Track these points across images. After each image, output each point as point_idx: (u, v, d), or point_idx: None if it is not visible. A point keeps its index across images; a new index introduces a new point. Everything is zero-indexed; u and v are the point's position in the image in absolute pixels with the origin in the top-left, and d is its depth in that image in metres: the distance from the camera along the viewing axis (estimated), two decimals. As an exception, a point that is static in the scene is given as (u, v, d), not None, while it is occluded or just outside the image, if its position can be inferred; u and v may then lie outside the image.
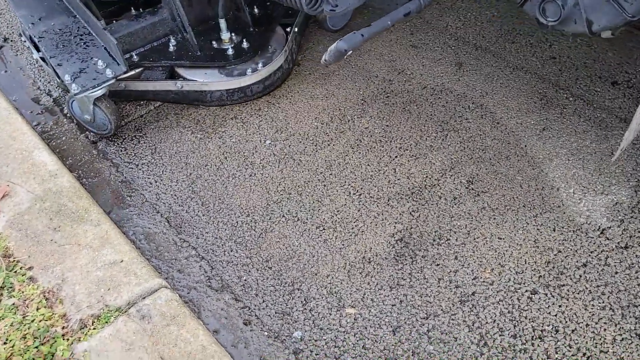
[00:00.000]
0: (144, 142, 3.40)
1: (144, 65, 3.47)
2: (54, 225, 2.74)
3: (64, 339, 2.31)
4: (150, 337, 2.32)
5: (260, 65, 3.56)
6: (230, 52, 3.50)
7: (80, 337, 2.32)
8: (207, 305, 2.60)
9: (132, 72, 3.41)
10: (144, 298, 2.48)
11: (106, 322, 2.35)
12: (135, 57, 3.44)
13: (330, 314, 2.54)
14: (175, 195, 3.10)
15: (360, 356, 2.39)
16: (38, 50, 3.44)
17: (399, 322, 2.49)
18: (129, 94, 3.59)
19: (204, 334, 2.33)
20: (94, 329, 2.34)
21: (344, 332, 2.47)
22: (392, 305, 2.55)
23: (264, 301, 2.61)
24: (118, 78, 3.27)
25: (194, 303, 2.61)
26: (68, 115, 3.57)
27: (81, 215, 2.79)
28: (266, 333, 2.49)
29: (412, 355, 2.38)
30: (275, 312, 2.56)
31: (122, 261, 2.60)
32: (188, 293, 2.65)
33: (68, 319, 2.39)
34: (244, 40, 3.61)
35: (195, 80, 3.44)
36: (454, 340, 2.42)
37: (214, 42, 3.60)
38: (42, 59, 3.45)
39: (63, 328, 2.36)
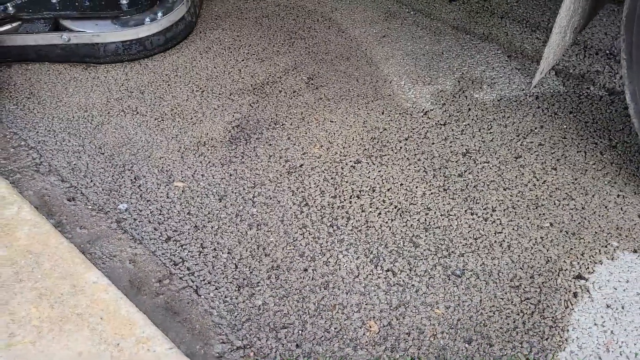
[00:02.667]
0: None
1: (22, 18, 3.05)
2: None
3: None
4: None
5: (159, 14, 3.19)
6: (124, 0, 3.12)
7: None
8: (31, 186, 2.55)
9: (8, 27, 3.05)
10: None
11: None
12: (10, 8, 3.00)
13: (158, 189, 2.56)
14: (11, 97, 3.01)
15: (183, 220, 2.42)
16: None
17: (226, 191, 2.55)
18: (5, 52, 3.11)
19: (28, 209, 2.29)
20: None
21: (170, 202, 2.50)
22: (221, 179, 2.61)
23: (91, 181, 2.58)
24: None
25: (17, 185, 2.54)
26: None
27: None
28: (90, 207, 2.48)
29: (236, 217, 2.45)
30: (102, 190, 2.55)
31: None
32: (12, 177, 2.58)
33: None
34: (139, -12, 3.14)
35: (84, 32, 3.10)
36: (277, 203, 2.50)
37: (105, -10, 3.13)
38: None
39: None
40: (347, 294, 2.18)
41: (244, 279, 2.21)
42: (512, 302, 2.14)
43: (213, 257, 2.29)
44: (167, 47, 3.33)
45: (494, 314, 2.10)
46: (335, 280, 2.21)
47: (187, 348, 1.99)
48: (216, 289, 2.18)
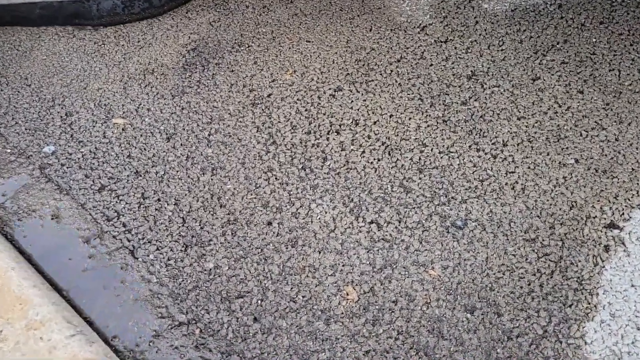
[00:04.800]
0: None
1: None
2: None
3: None
4: None
5: None
6: None
7: None
8: (-60, 127, 2.12)
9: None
10: None
11: None
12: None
13: (93, 127, 2.11)
14: None
15: (122, 165, 1.99)
16: None
17: (176, 129, 2.10)
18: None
19: None
20: None
21: (107, 143, 2.06)
22: (171, 114, 2.15)
23: (13, 119, 2.14)
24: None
25: None
26: None
27: None
28: (10, 150, 2.04)
29: (187, 159, 2.01)
30: (26, 129, 2.10)
31: None
32: None
33: None
34: None
35: None
36: (238, 141, 2.06)
37: None
38: None
39: None
40: (319, 252, 1.76)
41: (192, 237, 1.80)
42: (526, 259, 1.72)
43: (156, 209, 1.86)
44: (180, 3, 2.57)
45: (503, 274, 1.68)
46: (305, 236, 1.80)
47: (116, 325, 1.61)
48: (157, 249, 1.77)
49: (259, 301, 1.65)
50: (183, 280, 1.69)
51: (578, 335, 1.55)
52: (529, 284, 1.65)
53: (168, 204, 1.87)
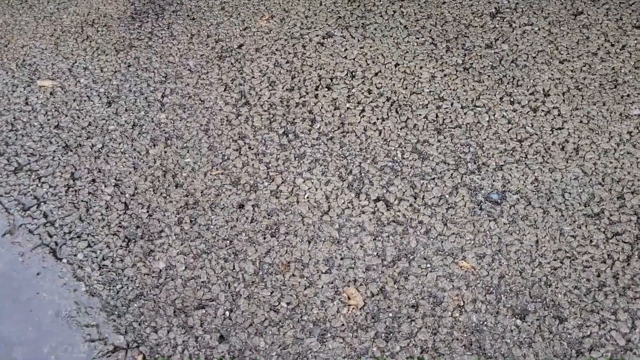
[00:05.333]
0: None
1: None
2: None
3: None
4: None
5: None
6: None
7: None
8: None
9: None
10: None
11: None
12: None
13: (13, 92, 1.65)
14: None
15: (48, 138, 1.53)
16: None
17: (120, 91, 1.65)
18: None
19: None
20: None
21: (30, 111, 1.60)
22: (114, 72, 1.69)
23: None
24: None
25: None
26: None
27: None
28: None
29: (133, 128, 1.56)
30: None
31: None
32: None
33: None
34: None
35: None
36: (200, 103, 1.61)
37: None
38: None
39: None
40: (309, 243, 1.32)
41: (137, 227, 1.35)
42: (591, 241, 1.27)
43: (89, 193, 1.41)
44: None
45: (561, 263, 1.24)
46: (290, 221, 1.35)
47: (26, 353, 1.16)
48: (89, 246, 1.32)
49: (227, 312, 1.20)
50: (123, 287, 1.24)
51: (675, 344, 1.11)
52: (599, 275, 1.21)
53: (106, 186, 1.41)
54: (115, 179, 1.42)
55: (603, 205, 1.31)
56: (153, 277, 1.25)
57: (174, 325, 1.17)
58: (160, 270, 1.25)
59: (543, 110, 1.50)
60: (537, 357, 1.10)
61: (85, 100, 1.59)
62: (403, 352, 1.12)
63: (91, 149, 1.48)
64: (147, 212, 1.35)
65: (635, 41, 1.64)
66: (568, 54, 1.63)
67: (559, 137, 1.44)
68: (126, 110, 1.57)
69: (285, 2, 1.83)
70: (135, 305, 1.20)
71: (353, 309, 1.19)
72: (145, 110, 1.56)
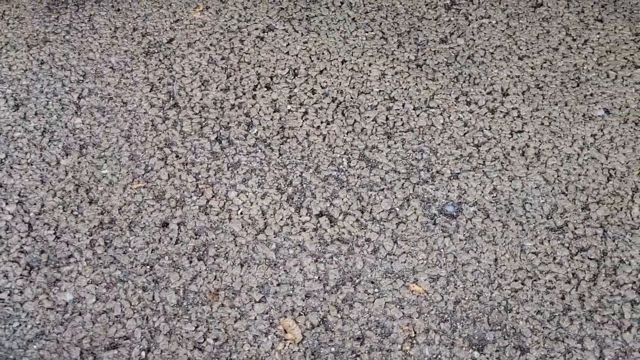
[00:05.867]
0: None
1: None
2: None
3: None
4: None
5: None
6: None
7: None
8: None
9: None
10: None
11: None
12: None
13: None
14: None
15: (-60, 148, 1.34)
16: None
17: (31, 92, 1.43)
18: None
19: None
20: None
21: None
22: (25, 70, 1.46)
23: None
24: None
25: None
26: None
27: None
28: None
29: (42, 135, 1.35)
30: None
31: None
32: None
33: None
34: None
35: None
36: (122, 106, 1.42)
37: None
38: None
39: None
40: (241, 266, 1.16)
41: (42, 252, 1.17)
42: (554, 258, 1.14)
43: (-13, 212, 1.23)
44: None
45: (522, 285, 1.11)
46: (220, 241, 1.19)
47: None
48: (-17, 276, 1.14)
49: (143, 352, 1.04)
50: (20, 325, 1.06)
51: (647, 375, 1.01)
52: (563, 298, 1.10)
53: (7, 203, 1.22)
54: (19, 195, 1.23)
55: (567, 217, 1.19)
56: (58, 312, 1.07)
57: (79, 370, 1.00)
58: (67, 304, 1.08)
59: (502, 112, 1.38)
60: (496, 395, 0.98)
61: (-13, 103, 1.39)
62: (346, 394, 0.98)
63: (-8, 160, 1.29)
64: (55, 233, 1.17)
65: (598, 35, 1.54)
66: (528, 49, 1.51)
67: (518, 142, 1.32)
68: (36, 114, 1.37)
69: (222, -9, 1.67)
70: (35, 347, 1.03)
71: (290, 344, 1.04)
72: (58, 114, 1.37)
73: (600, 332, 1.05)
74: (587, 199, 1.23)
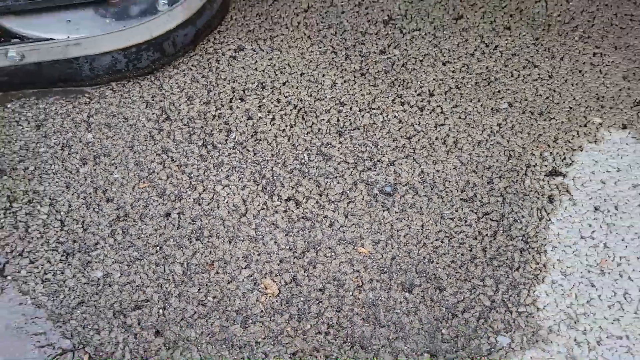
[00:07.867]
0: None
1: None
2: None
3: None
4: None
5: None
6: None
7: None
8: None
9: None
10: None
11: None
12: None
13: (-58, 121, 1.74)
14: None
15: (-19, 165, 1.65)
16: None
17: (48, 114, 1.76)
18: None
19: None
20: None
21: (-40, 139, 1.70)
22: (41, 96, 1.82)
23: None
24: None
25: None
26: None
27: None
28: None
29: (62, 149, 1.67)
30: None
31: None
32: None
33: None
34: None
35: (52, 40, 1.67)
36: (124, 121, 1.73)
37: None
38: None
39: None
40: (230, 242, 1.50)
41: (74, 242, 1.49)
42: (466, 221, 1.51)
43: (27, 213, 1.54)
44: (196, 43, 1.88)
45: (441, 242, 1.48)
46: (212, 225, 1.52)
47: (-19, 365, 1.31)
48: (31, 262, 1.45)
49: (161, 310, 1.38)
50: (65, 297, 1.39)
51: (529, 301, 1.37)
52: (471, 250, 1.46)
53: (42, 206, 1.55)
54: (50, 199, 1.55)
55: (476, 190, 1.56)
56: (92, 285, 1.40)
57: (114, 326, 1.34)
58: (99, 279, 1.41)
59: (428, 109, 1.73)
60: (421, 322, 1.35)
61: (14, 125, 1.69)
62: (312, 329, 1.33)
63: (24, 171, 1.60)
64: (82, 227, 1.50)
65: (506, 41, 1.89)
66: (450, 55, 1.86)
67: (441, 133, 1.68)
68: (54, 132, 1.68)
69: (198, 17, 1.97)
70: (78, 311, 1.36)
71: (270, 297, 1.39)
72: (73, 131, 1.69)
73: (496, 272, 1.42)
74: (492, 175, 1.59)
